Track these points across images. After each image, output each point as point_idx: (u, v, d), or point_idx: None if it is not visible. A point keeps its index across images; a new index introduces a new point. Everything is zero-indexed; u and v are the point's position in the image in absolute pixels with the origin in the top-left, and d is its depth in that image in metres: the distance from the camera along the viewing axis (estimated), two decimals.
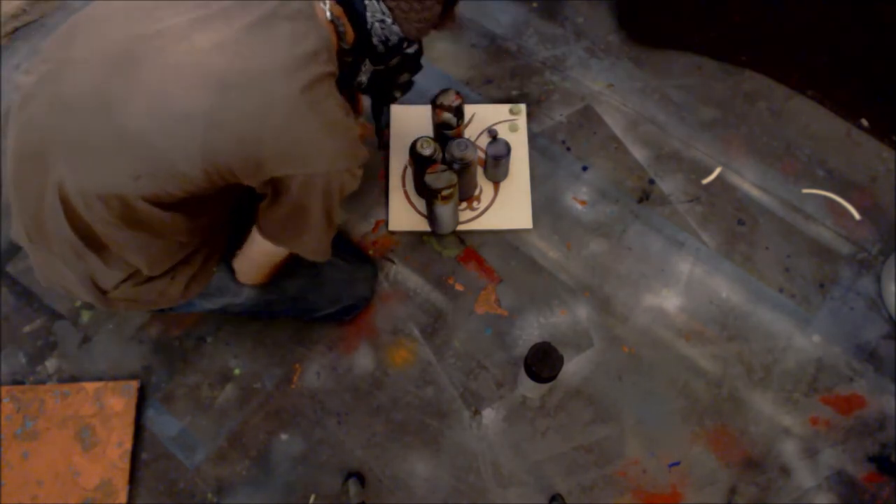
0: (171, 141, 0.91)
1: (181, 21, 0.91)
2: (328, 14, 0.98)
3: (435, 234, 1.52)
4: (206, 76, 0.89)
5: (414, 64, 1.23)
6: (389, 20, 1.01)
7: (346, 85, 1.07)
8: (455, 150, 1.36)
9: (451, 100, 1.38)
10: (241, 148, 0.93)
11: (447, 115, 1.39)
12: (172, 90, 0.89)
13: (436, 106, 1.39)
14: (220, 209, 1.12)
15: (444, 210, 1.41)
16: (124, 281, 1.10)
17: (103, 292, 1.11)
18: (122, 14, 0.95)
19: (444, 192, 1.34)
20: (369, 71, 1.11)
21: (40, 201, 1.00)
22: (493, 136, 1.58)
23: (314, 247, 1.11)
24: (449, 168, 1.35)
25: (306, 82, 0.92)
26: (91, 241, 1.02)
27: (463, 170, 1.39)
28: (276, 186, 0.99)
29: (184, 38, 0.90)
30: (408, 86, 1.28)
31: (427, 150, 1.37)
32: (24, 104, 0.97)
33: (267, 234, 1.09)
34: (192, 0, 0.93)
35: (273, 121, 0.91)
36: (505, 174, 1.53)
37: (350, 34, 1.02)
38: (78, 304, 1.47)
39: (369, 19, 1.00)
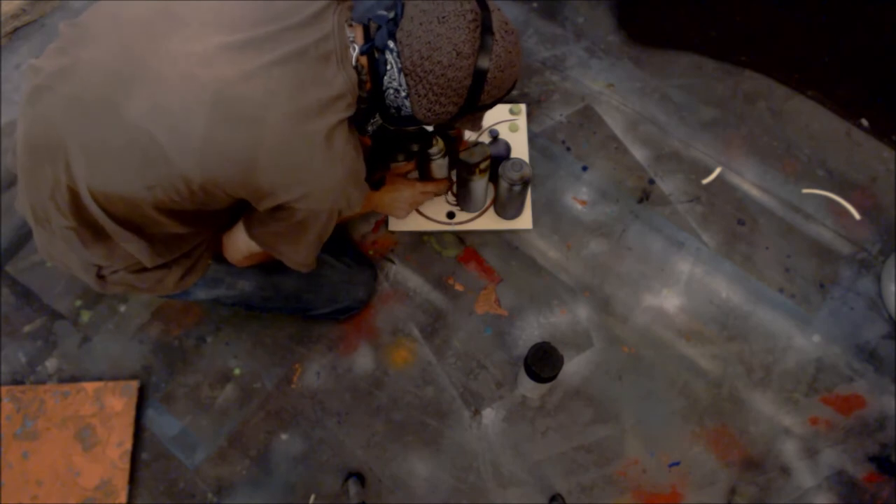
0: (189, 167, 0.92)
1: (209, 46, 0.90)
2: (354, 61, 0.99)
3: (466, 209, 1.53)
4: (229, 107, 0.90)
5: (426, 139, 1.26)
6: (403, 94, 1.01)
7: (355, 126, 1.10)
8: (512, 172, 1.35)
9: None
10: (256, 184, 0.95)
11: None
12: (193, 114, 0.89)
13: None
14: (227, 217, 1.14)
15: (479, 185, 1.42)
16: (124, 268, 1.11)
17: (102, 277, 1.13)
18: (146, 23, 0.94)
19: (482, 165, 1.35)
20: (377, 124, 1.13)
21: (51, 191, 1.00)
22: (494, 136, 1.58)
23: (300, 260, 1.13)
24: (479, 142, 1.37)
25: (327, 128, 0.94)
26: (95, 231, 1.04)
27: (523, 188, 1.39)
28: (280, 210, 1.01)
29: (211, 65, 0.90)
30: (411, 155, 1.30)
31: (433, 149, 1.37)
32: (37, 93, 0.97)
33: (257, 240, 1.10)
34: (221, 22, 0.93)
35: (296, 165, 0.94)
36: (519, 211, 1.53)
37: (368, 85, 1.03)
38: (78, 303, 1.47)
39: (385, 83, 1.01)
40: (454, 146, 1.42)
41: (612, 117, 1.66)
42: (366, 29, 1.02)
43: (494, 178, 1.44)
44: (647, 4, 1.82)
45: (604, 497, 1.31)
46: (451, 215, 1.53)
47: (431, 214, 1.53)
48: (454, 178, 1.54)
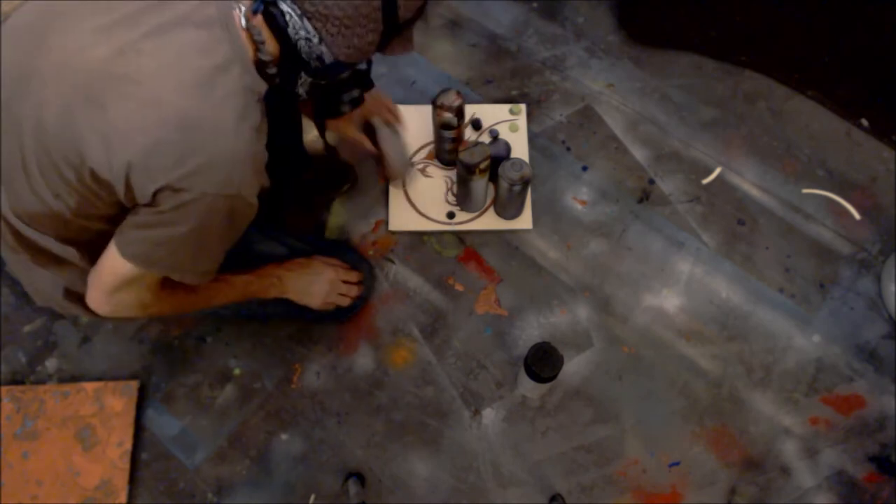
0: (74, 152, 0.86)
1: (83, 31, 0.86)
2: (243, 22, 0.89)
3: (466, 209, 1.53)
4: (106, 89, 0.84)
5: (364, 80, 1.15)
6: (316, 40, 0.91)
7: (280, 95, 0.99)
8: (512, 172, 1.35)
9: (451, 100, 1.38)
10: (136, 158, 0.84)
11: (448, 116, 1.39)
12: (71, 104, 0.85)
13: (436, 106, 1.39)
14: None
15: (479, 185, 1.42)
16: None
17: (81, 297, 1.05)
18: (30, 25, 0.91)
19: (482, 166, 1.35)
20: (307, 83, 1.03)
21: None
22: (494, 136, 1.58)
23: (183, 270, 0.96)
24: (479, 142, 1.37)
25: (216, 99, 0.85)
26: (45, 254, 1.00)
27: (523, 188, 1.40)
28: (157, 200, 0.88)
29: (84, 49, 0.85)
30: (357, 101, 1.19)
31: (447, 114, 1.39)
32: None
33: (129, 254, 0.92)
34: (96, 7, 0.88)
35: (173, 135, 0.84)
36: (519, 211, 1.52)
37: (272, 46, 0.92)
38: None
39: (292, 35, 0.91)
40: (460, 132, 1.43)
41: (612, 117, 1.66)
42: None
43: (494, 178, 1.44)
44: (647, 4, 1.82)
45: (604, 497, 1.31)
46: (451, 215, 1.53)
47: (431, 214, 1.53)
48: (454, 178, 1.54)
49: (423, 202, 1.54)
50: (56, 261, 1.01)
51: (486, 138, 1.59)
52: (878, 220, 1.55)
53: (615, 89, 1.70)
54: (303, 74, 0.99)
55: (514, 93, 1.69)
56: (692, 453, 1.35)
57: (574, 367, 1.41)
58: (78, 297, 1.06)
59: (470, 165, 1.35)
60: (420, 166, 1.57)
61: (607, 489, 1.32)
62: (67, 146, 0.86)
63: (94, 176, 0.87)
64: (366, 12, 0.89)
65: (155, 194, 0.86)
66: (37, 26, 0.90)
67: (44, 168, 0.88)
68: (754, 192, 1.58)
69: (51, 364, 1.42)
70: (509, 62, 1.73)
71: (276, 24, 0.90)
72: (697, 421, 1.37)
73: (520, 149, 1.58)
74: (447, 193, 1.55)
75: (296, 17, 0.89)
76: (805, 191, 1.58)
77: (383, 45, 0.97)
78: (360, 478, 1.32)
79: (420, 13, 0.97)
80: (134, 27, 0.85)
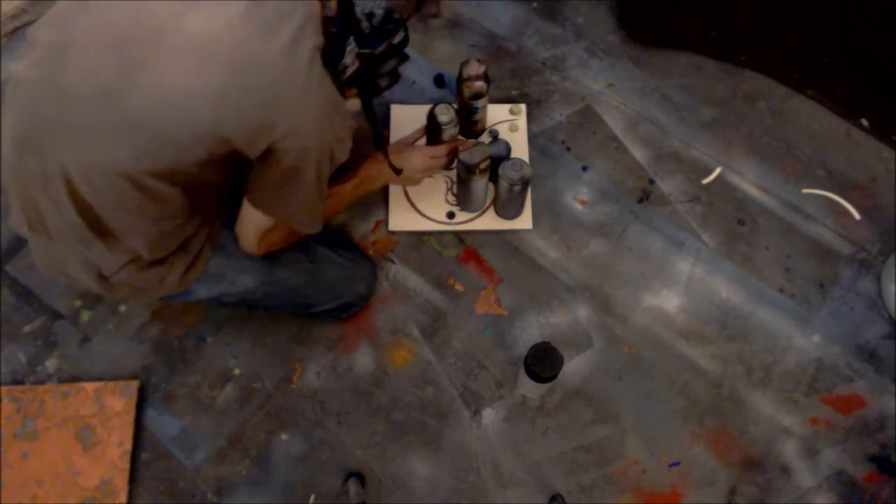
0: (173, 121, 0.93)
1: (173, 3, 0.93)
2: None
3: (466, 209, 1.53)
4: (205, 58, 0.92)
5: (400, 50, 1.22)
6: None
7: (332, 66, 1.08)
8: (512, 172, 1.35)
9: (475, 68, 1.39)
10: (243, 124, 0.95)
11: (479, 84, 1.40)
12: (171, 72, 0.92)
13: (463, 80, 1.40)
14: (219, 189, 1.13)
15: (480, 185, 1.42)
16: (125, 266, 1.11)
17: (104, 278, 1.12)
18: None
19: (482, 166, 1.36)
20: (354, 52, 1.11)
21: (42, 187, 1.00)
22: (494, 136, 1.58)
23: (305, 217, 1.11)
24: (479, 142, 1.38)
25: (304, 59, 0.95)
26: (95, 224, 1.03)
27: (523, 188, 1.40)
28: (271, 156, 1.00)
29: (176, 18, 0.92)
30: (394, 76, 1.27)
31: (445, 117, 1.38)
32: (16, 90, 0.98)
33: (258, 204, 1.09)
34: None
35: (276, 97, 0.95)
36: (519, 211, 1.52)
37: (334, 4, 1.02)
38: (78, 303, 1.47)
39: None
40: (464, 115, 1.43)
41: (612, 117, 1.66)
42: None
43: (494, 178, 1.44)
44: (647, 4, 1.82)
45: (604, 497, 1.31)
46: (451, 215, 1.53)
47: (431, 214, 1.53)
48: (454, 178, 1.54)
49: (423, 202, 1.54)
50: (98, 230, 1.05)
51: (486, 138, 1.59)
52: (878, 220, 1.55)
53: (615, 89, 1.70)
54: (351, 40, 1.07)
55: (514, 93, 1.69)
56: (692, 453, 1.35)
57: (574, 367, 1.41)
58: (99, 274, 1.12)
59: (470, 165, 1.35)
60: None
61: (607, 489, 1.32)
62: (165, 112, 0.93)
63: (192, 140, 0.95)
64: None
65: (263, 154, 0.99)
66: None
67: (137, 130, 0.94)
68: (754, 192, 1.58)
69: (51, 364, 1.42)
70: (509, 62, 1.73)
71: None
72: (697, 421, 1.37)
73: (520, 149, 1.58)
74: (447, 193, 1.55)
75: None
76: (805, 191, 1.58)
77: (420, 4, 1.08)
78: (360, 478, 1.32)
79: None
80: (222, 3, 0.92)
